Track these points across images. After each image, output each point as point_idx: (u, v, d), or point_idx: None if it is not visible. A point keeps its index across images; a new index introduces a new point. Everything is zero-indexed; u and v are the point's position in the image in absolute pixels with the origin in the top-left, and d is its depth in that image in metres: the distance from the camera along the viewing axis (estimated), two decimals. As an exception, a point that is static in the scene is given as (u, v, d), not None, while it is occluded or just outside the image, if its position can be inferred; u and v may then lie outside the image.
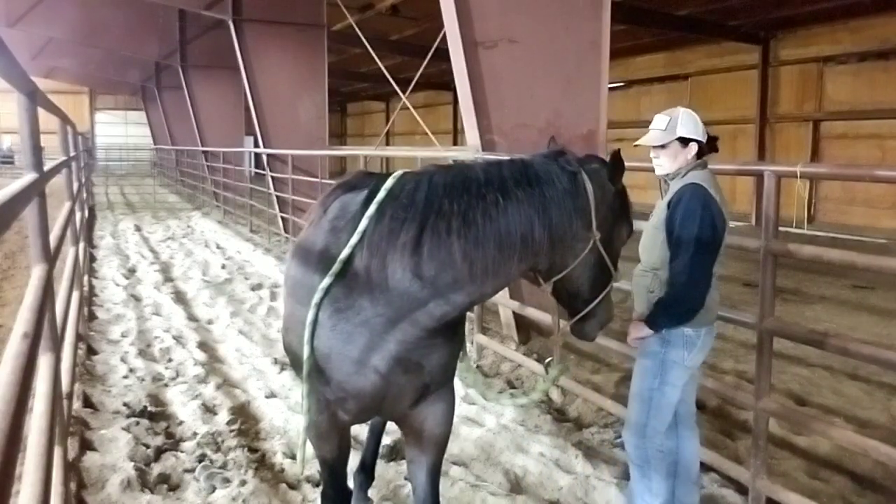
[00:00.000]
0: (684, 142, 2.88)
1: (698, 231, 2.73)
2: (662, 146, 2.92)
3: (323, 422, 2.44)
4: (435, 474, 2.61)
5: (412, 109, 10.63)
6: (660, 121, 2.93)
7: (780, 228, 3.33)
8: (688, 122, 2.88)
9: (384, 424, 3.41)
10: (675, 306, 2.80)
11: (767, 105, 17.54)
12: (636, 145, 3.06)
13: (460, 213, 2.15)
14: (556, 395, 4.97)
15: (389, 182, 2.27)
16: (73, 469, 3.54)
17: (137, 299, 7.96)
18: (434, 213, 2.16)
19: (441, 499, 3.02)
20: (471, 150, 5.83)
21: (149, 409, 4.54)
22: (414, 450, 2.60)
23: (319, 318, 2.25)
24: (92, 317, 7.00)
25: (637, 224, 2.69)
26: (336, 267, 2.22)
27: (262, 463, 3.88)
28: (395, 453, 3.95)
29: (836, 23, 15.61)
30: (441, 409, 2.53)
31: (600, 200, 2.34)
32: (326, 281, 2.23)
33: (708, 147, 2.95)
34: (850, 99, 15.85)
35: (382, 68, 10.73)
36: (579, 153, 2.49)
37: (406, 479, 3.58)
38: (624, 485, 3.53)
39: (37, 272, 2.39)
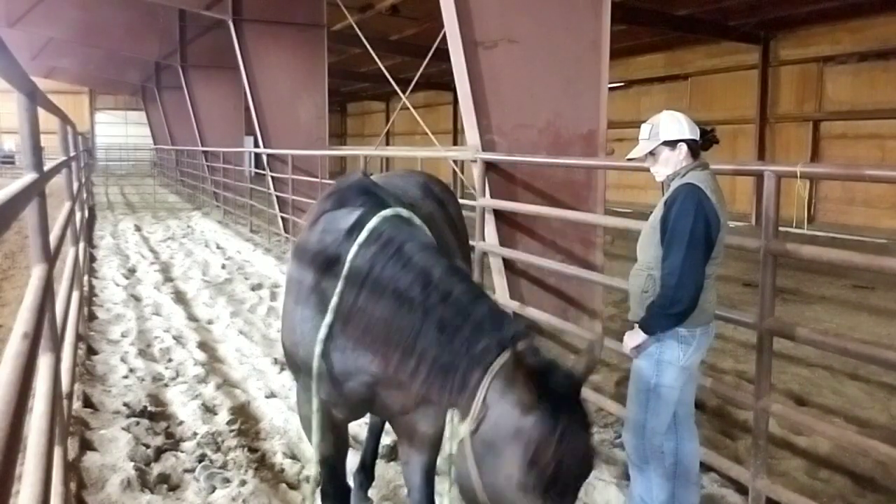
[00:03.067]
0: (672, 144, 2.88)
1: (690, 231, 2.72)
2: (652, 154, 2.92)
3: (318, 419, 2.47)
4: (429, 475, 2.60)
5: (412, 109, 10.61)
6: (644, 130, 2.94)
7: (780, 228, 3.33)
8: (670, 125, 2.88)
9: (383, 424, 3.41)
10: (667, 309, 2.78)
11: (767, 105, 17.52)
12: (628, 159, 3.10)
13: (382, 318, 2.12)
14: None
15: (373, 223, 2.26)
16: (73, 469, 3.53)
17: (137, 299, 7.96)
18: (377, 293, 2.14)
19: (440, 498, 3.00)
20: (471, 149, 5.83)
21: (149, 409, 4.54)
22: (407, 450, 2.60)
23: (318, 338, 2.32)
24: (92, 317, 7.00)
25: (639, 225, 2.68)
26: (330, 317, 2.25)
27: (262, 463, 3.88)
28: (394, 453, 3.94)
29: (836, 23, 15.59)
30: (433, 409, 2.52)
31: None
32: (329, 318, 2.25)
33: (704, 142, 2.95)
34: (850, 99, 15.84)
35: (382, 68, 10.72)
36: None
37: (406, 479, 3.58)
38: (624, 485, 3.53)
39: (37, 272, 2.39)
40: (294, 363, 2.51)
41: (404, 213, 2.34)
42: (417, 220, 2.37)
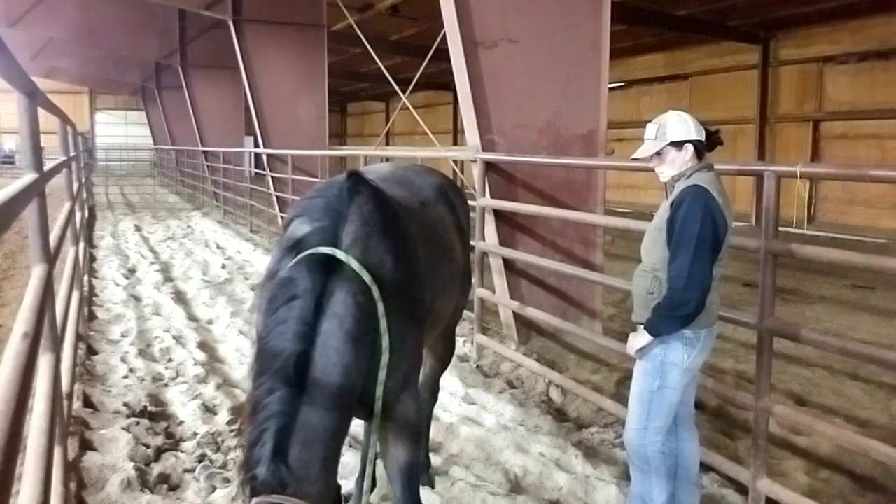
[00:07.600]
0: (678, 145, 2.88)
1: (698, 233, 2.72)
2: (658, 154, 2.92)
3: None
4: (409, 471, 2.54)
5: (412, 109, 10.62)
6: (650, 130, 2.93)
7: (780, 228, 3.33)
8: (677, 125, 2.87)
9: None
10: (674, 311, 2.78)
11: (767, 105, 17.53)
12: (633, 159, 3.09)
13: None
14: (556, 395, 4.97)
15: (302, 255, 2.24)
16: (73, 469, 3.53)
17: (137, 299, 7.95)
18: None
19: (440, 498, 3.01)
20: (471, 149, 5.83)
21: (149, 409, 4.53)
22: (385, 445, 2.53)
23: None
24: (92, 317, 7.00)
25: (639, 225, 2.67)
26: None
27: (262, 463, 3.87)
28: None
29: (836, 23, 15.60)
30: (408, 400, 2.49)
31: None
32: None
33: (709, 143, 2.94)
34: (850, 99, 15.85)
35: (382, 68, 10.72)
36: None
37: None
38: (624, 485, 3.53)
39: (37, 272, 2.39)
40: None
41: (340, 255, 2.22)
42: (354, 265, 2.21)
